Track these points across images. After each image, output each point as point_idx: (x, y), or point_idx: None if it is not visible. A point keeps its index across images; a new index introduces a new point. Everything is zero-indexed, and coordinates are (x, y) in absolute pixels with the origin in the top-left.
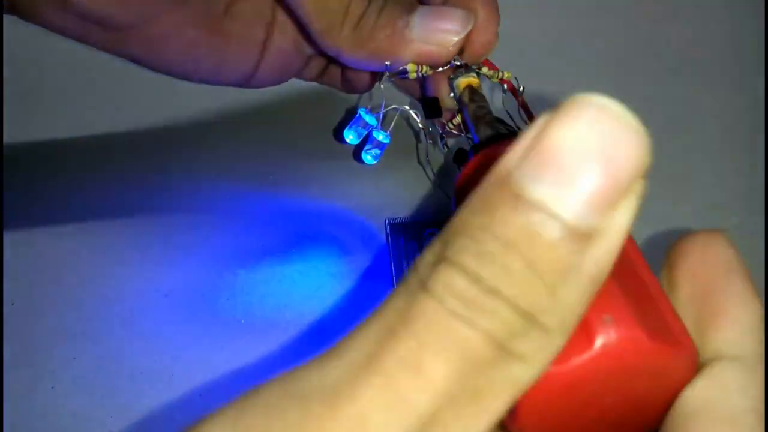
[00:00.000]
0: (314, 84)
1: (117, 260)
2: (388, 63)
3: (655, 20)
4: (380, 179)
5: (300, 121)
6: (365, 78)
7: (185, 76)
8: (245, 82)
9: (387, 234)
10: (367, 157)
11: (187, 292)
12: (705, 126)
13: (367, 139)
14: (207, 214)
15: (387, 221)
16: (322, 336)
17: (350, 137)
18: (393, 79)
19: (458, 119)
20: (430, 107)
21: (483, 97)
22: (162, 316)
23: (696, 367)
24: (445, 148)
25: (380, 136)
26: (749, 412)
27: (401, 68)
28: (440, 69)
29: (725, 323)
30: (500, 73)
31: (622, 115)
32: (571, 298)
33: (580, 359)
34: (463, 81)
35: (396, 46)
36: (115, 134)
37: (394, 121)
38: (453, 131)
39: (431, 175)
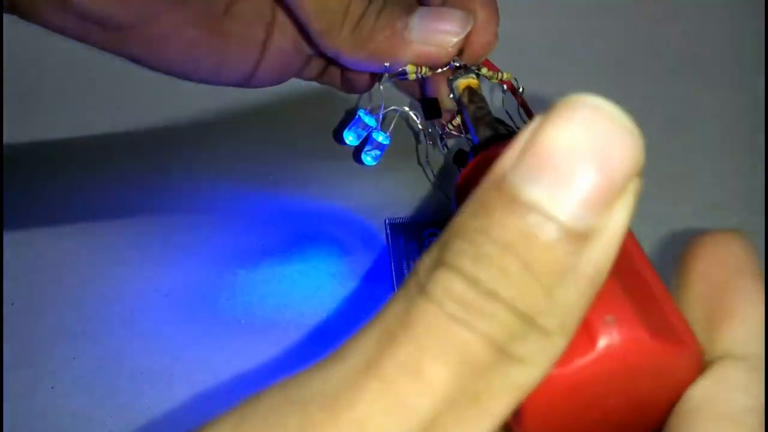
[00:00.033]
0: (314, 85)
1: (117, 260)
2: (387, 64)
3: (655, 20)
4: (380, 180)
5: (300, 122)
6: (365, 78)
7: (185, 76)
8: (245, 82)
9: (387, 234)
10: (367, 158)
11: (187, 292)
12: (705, 126)
13: (366, 140)
14: (207, 214)
15: (387, 221)
16: (322, 336)
17: (350, 138)
18: (393, 79)
19: (458, 120)
20: (430, 108)
21: (482, 98)
22: (162, 316)
23: (701, 365)
24: (445, 148)
25: (380, 137)
26: (751, 410)
27: (400, 69)
28: (439, 70)
29: (733, 323)
30: (500, 75)
31: (615, 115)
32: (570, 299)
33: (582, 361)
34: (462, 82)
35: (395, 47)
36: (115, 134)
37: (393, 122)
38: (453, 132)
39: (431, 176)
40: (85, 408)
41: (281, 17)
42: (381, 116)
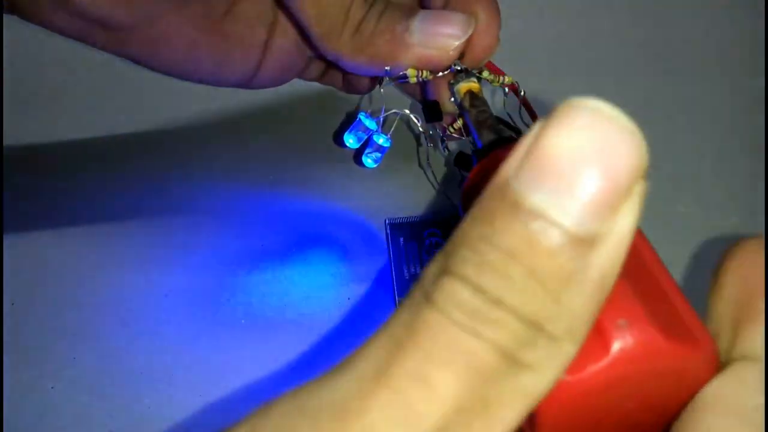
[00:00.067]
0: (314, 87)
1: (117, 260)
2: (387, 68)
3: (655, 20)
4: (380, 182)
5: (300, 124)
6: (366, 80)
7: (186, 77)
8: (246, 83)
9: (387, 234)
10: (368, 161)
11: (187, 292)
12: (705, 126)
13: (367, 143)
14: (207, 214)
15: (387, 221)
16: (322, 336)
17: (350, 141)
18: (394, 82)
19: (459, 123)
20: (431, 111)
21: (484, 101)
22: (162, 316)
23: (716, 365)
24: (446, 151)
25: (381, 140)
26: (761, 409)
27: (401, 73)
28: (441, 73)
29: (757, 325)
30: (501, 78)
31: (616, 118)
32: (577, 304)
33: (596, 366)
34: (463, 86)
35: (396, 50)
36: (115, 135)
37: (394, 124)
38: (453, 135)
39: (432, 178)
40: (85, 408)
41: (283, 18)
42: (382, 119)
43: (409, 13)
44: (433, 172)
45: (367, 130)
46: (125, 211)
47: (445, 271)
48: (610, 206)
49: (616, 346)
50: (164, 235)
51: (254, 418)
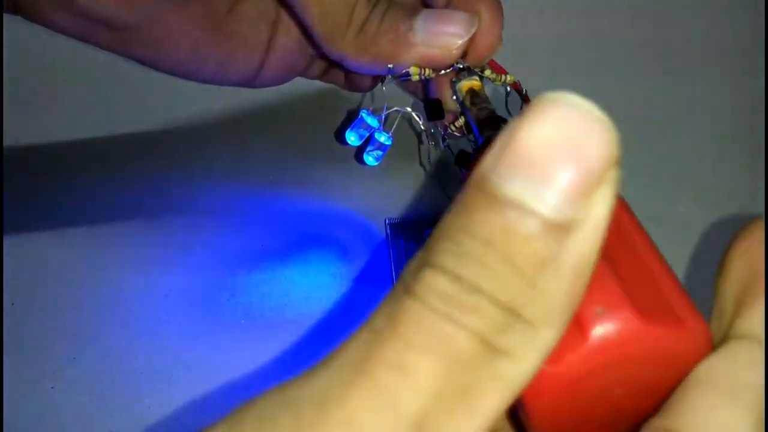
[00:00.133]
0: (316, 85)
1: (117, 260)
2: (390, 66)
3: (655, 20)
4: (381, 180)
5: (301, 123)
6: (368, 77)
7: (190, 76)
8: (249, 82)
9: (387, 234)
10: (369, 159)
11: (187, 292)
12: (705, 126)
13: (368, 141)
14: (207, 214)
15: (387, 221)
16: (322, 336)
17: (352, 139)
18: (396, 80)
19: (461, 121)
20: (433, 109)
21: (486, 99)
22: (162, 316)
23: (708, 344)
24: (448, 149)
25: (382, 138)
26: (751, 387)
27: (404, 71)
28: (443, 72)
29: (756, 305)
30: (503, 77)
31: (586, 108)
32: (553, 289)
33: (576, 355)
34: (465, 84)
35: (399, 50)
36: (116, 135)
37: (396, 122)
38: (455, 133)
39: (433, 177)
40: (85, 408)
41: (285, 17)
42: (383, 117)
43: (413, 13)
44: (434, 171)
45: (368, 127)
46: (125, 211)
47: (424, 264)
48: (583, 193)
49: (593, 333)
50: (164, 235)
51: (236, 413)
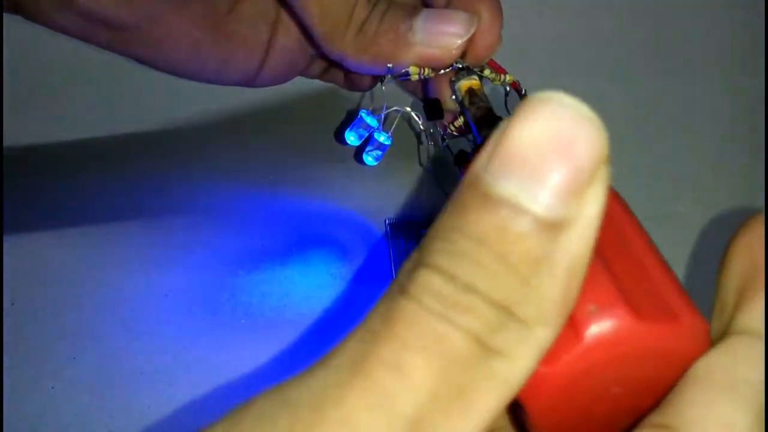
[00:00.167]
0: (316, 85)
1: (117, 260)
2: (390, 66)
3: (655, 20)
4: (381, 180)
5: (301, 123)
6: (368, 77)
7: (190, 76)
8: (249, 82)
9: (387, 234)
10: (369, 159)
11: (187, 292)
12: (705, 126)
13: (368, 141)
14: (207, 214)
15: (387, 221)
16: (322, 336)
17: (351, 139)
18: (395, 80)
19: (460, 121)
20: (432, 109)
21: (485, 99)
22: (162, 316)
23: (706, 340)
24: (447, 149)
25: (381, 138)
26: (750, 383)
27: (403, 71)
28: (442, 71)
29: (757, 301)
30: (503, 77)
31: (575, 107)
32: (547, 287)
33: (571, 355)
34: (464, 84)
35: (399, 49)
36: (116, 135)
37: (395, 122)
38: (454, 133)
39: (432, 177)
40: (86, 408)
41: (285, 17)
42: (383, 117)
43: (412, 12)
44: (433, 170)
45: (368, 127)
46: (125, 211)
47: (418, 264)
48: (574, 191)
49: (587, 333)
50: (164, 235)
51: (234, 414)
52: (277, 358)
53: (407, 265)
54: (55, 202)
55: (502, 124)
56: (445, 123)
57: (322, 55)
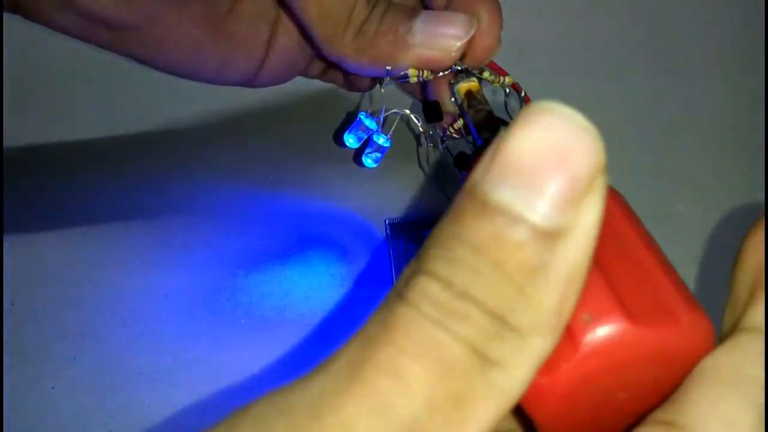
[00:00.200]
0: (315, 87)
1: (117, 260)
2: (389, 68)
3: (655, 20)
4: (380, 181)
5: (300, 125)
6: (367, 78)
7: (189, 76)
8: (249, 82)
9: (387, 234)
10: (368, 161)
11: (187, 292)
12: (705, 126)
13: (367, 143)
14: (207, 214)
15: (387, 222)
16: (322, 336)
17: (350, 141)
18: (394, 82)
19: (459, 123)
20: (431, 111)
21: (484, 101)
22: (162, 316)
23: (710, 337)
24: (446, 151)
25: (381, 140)
26: (757, 380)
27: (402, 73)
28: (442, 74)
29: (765, 298)
30: (502, 79)
31: (573, 118)
32: (543, 297)
33: (569, 365)
34: (463, 86)
35: (398, 51)
36: (115, 135)
37: (394, 124)
38: (454, 135)
39: (432, 179)
40: (86, 408)
41: (285, 17)
42: (382, 119)
43: (412, 14)
44: (433, 172)
45: (367, 129)
46: (125, 211)
47: (417, 271)
48: (571, 201)
49: (583, 342)
50: (164, 235)
51: (233, 418)
52: (277, 358)
53: (406, 271)
54: (55, 202)
55: (500, 134)
56: (445, 125)
57: (321, 57)
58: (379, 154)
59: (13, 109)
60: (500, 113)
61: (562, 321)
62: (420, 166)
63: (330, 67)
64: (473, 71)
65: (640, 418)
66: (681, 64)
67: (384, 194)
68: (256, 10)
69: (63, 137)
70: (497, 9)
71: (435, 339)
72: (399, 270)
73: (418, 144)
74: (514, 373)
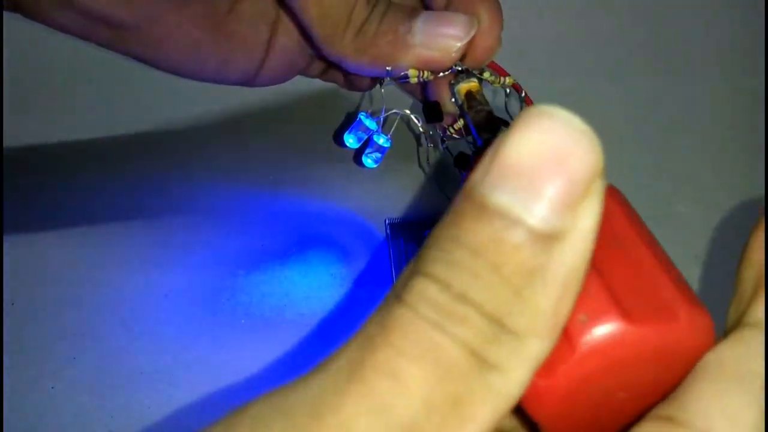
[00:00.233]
0: (315, 87)
1: (117, 260)
2: (389, 68)
3: (655, 20)
4: (380, 182)
5: (300, 125)
6: (368, 77)
7: (189, 75)
8: (249, 81)
9: (387, 234)
10: (368, 161)
11: (187, 292)
12: (705, 126)
13: (367, 143)
14: (207, 214)
15: (387, 222)
16: (322, 336)
17: (350, 141)
18: (395, 82)
19: (459, 123)
20: (431, 111)
21: (485, 101)
22: (162, 316)
23: (710, 332)
24: (446, 151)
25: (381, 140)
26: (760, 376)
27: (402, 73)
28: (442, 74)
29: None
30: (503, 79)
31: (570, 121)
32: (540, 300)
33: (567, 367)
34: (464, 86)
35: (398, 51)
36: (115, 135)
37: (394, 125)
38: (454, 135)
39: (432, 179)
40: (86, 408)
41: (285, 17)
42: (382, 119)
43: (412, 14)
44: (433, 172)
45: (367, 130)
46: (125, 211)
47: (415, 272)
48: (569, 204)
49: (581, 344)
50: (164, 235)
51: (231, 418)
52: (276, 358)
53: (404, 273)
54: (55, 202)
55: (499, 136)
56: (445, 125)
57: (321, 57)
58: (379, 155)
59: (13, 109)
60: (501, 114)
61: (559, 323)
62: (420, 166)
63: (330, 66)
64: (474, 72)
65: (642, 417)
66: (681, 64)
67: (384, 194)
68: (256, 9)
69: (63, 137)
70: (498, 9)
71: (433, 341)
72: (399, 270)
73: (419, 144)
74: (512, 375)
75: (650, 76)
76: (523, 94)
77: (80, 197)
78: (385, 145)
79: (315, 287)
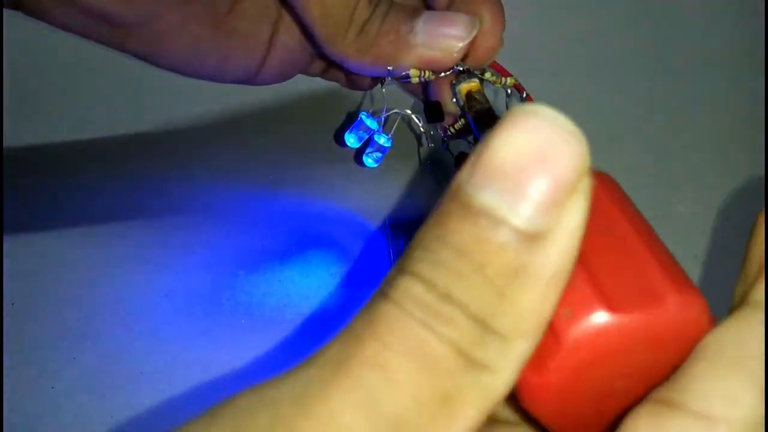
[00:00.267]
0: (316, 87)
1: (117, 260)
2: (390, 68)
3: (655, 20)
4: (381, 183)
5: (300, 125)
6: (369, 77)
7: (191, 74)
8: (250, 80)
9: (387, 234)
10: (369, 161)
11: (187, 292)
12: (705, 126)
13: (368, 143)
14: (207, 214)
15: (387, 222)
16: (322, 336)
17: (351, 141)
18: (396, 82)
19: (461, 123)
20: (433, 111)
21: (486, 101)
22: (162, 316)
23: (703, 314)
24: (447, 151)
25: (382, 140)
26: (759, 358)
27: (404, 73)
28: (443, 74)
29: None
30: (504, 80)
31: (557, 120)
32: (524, 299)
33: (556, 362)
34: (465, 87)
35: (399, 51)
36: (115, 135)
37: (395, 124)
38: (455, 135)
39: (432, 178)
40: (86, 408)
41: (286, 15)
42: (383, 119)
43: (414, 14)
44: (433, 172)
45: (368, 129)
46: (125, 211)
47: (401, 271)
48: (554, 203)
49: (566, 338)
50: (164, 235)
51: (215, 410)
52: (277, 358)
53: (390, 272)
54: (55, 202)
55: (484, 137)
56: (446, 125)
57: (323, 56)
58: (380, 154)
59: (13, 109)
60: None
61: (544, 321)
62: (421, 165)
63: (331, 65)
64: (475, 72)
65: (645, 392)
66: (681, 64)
67: (384, 194)
68: (257, 8)
69: (63, 137)
70: (500, 9)
71: (420, 337)
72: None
73: (419, 144)
74: (499, 375)
75: (650, 76)
76: (525, 95)
77: (80, 197)
78: (386, 145)
79: (315, 287)
